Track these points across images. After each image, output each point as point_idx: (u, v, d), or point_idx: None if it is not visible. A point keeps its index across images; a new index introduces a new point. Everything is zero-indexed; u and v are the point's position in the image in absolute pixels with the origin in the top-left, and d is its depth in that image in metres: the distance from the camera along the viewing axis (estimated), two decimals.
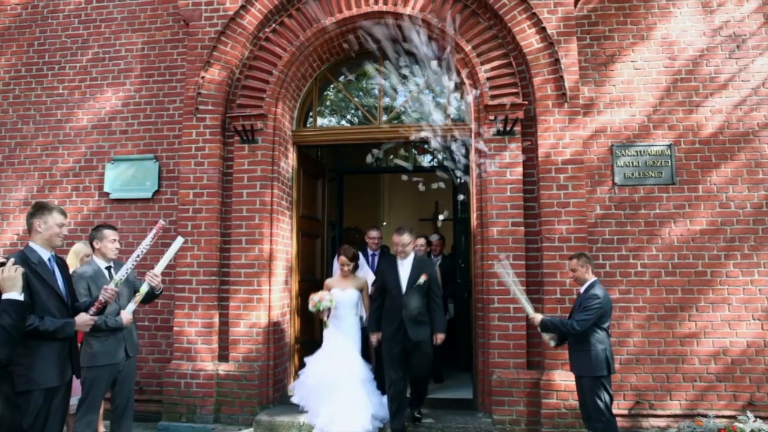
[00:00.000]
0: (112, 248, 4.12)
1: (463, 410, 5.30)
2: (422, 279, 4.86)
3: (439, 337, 4.90)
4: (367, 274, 5.64)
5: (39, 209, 3.25)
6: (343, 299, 5.20)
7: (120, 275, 3.62)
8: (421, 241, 6.26)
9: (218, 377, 5.31)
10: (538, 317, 4.30)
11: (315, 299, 5.08)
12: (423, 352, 4.82)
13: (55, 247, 3.30)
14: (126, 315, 3.92)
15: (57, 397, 3.11)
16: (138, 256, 3.68)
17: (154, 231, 3.80)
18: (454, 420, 5.03)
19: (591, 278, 4.27)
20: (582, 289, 4.29)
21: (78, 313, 3.35)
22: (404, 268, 4.98)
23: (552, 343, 4.36)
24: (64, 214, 3.33)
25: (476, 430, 4.90)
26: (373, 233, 6.12)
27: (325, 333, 5.26)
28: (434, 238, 6.95)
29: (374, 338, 5.07)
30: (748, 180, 5.36)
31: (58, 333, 3.08)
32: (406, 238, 5.02)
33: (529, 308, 4.37)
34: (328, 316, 5.23)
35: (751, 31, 5.57)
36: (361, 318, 5.35)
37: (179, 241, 4.01)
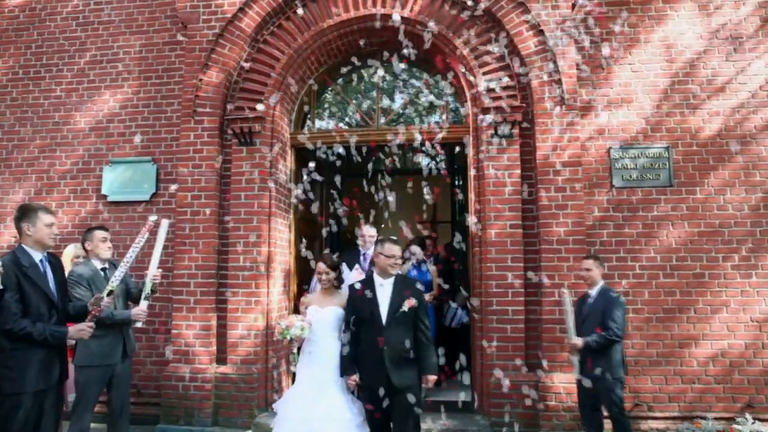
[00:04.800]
0: (104, 248, 4.10)
1: (461, 412, 5.29)
2: (406, 306, 3.80)
3: (430, 379, 3.87)
4: (361, 277, 5.39)
5: (25, 212, 3.20)
6: (322, 318, 4.04)
7: (112, 285, 3.60)
8: (416, 249, 6.02)
9: (216, 380, 5.29)
10: (580, 340, 4.23)
11: (282, 325, 3.99)
12: (405, 406, 3.73)
13: (48, 247, 3.25)
14: (138, 310, 3.97)
15: (47, 400, 3.06)
16: (128, 261, 3.71)
17: (145, 230, 3.85)
18: (451, 422, 5.00)
19: (601, 281, 4.39)
20: (594, 292, 4.37)
21: (69, 317, 3.31)
22: (384, 292, 3.89)
23: (579, 376, 4.27)
24: (50, 212, 3.27)
25: None
26: (371, 231, 5.76)
27: (298, 367, 4.16)
28: (416, 249, 6.05)
29: (350, 382, 3.95)
30: (745, 182, 5.37)
31: (50, 340, 3.05)
32: (396, 249, 3.97)
33: (572, 333, 4.30)
34: (299, 347, 4.19)
35: (748, 34, 5.59)
36: None
37: (165, 225, 3.95)
